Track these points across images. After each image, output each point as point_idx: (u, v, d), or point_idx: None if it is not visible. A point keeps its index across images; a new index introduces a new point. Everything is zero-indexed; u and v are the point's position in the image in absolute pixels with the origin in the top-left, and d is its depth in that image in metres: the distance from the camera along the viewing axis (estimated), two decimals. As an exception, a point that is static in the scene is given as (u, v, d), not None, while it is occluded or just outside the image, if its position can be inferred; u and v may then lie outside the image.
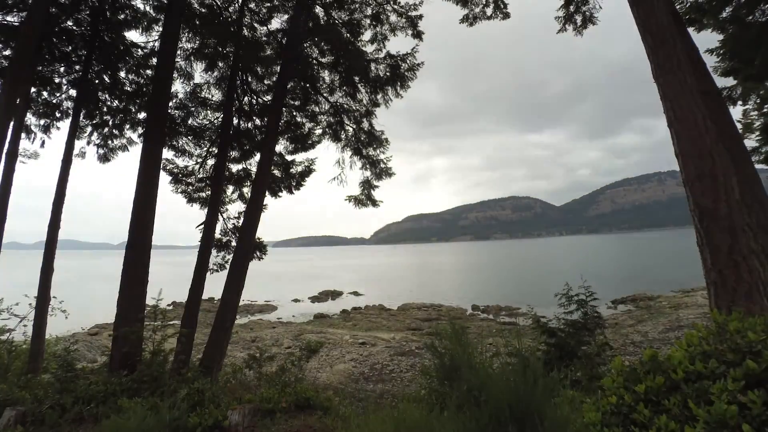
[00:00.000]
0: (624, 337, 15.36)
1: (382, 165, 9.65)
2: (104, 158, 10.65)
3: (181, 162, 10.20)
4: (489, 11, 10.14)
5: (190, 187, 10.34)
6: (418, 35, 9.00)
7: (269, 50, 9.32)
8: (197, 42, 8.99)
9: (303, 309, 26.90)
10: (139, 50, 9.77)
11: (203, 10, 8.73)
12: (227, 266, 8.79)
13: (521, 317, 19.42)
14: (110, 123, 10.32)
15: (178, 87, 9.74)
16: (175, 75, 8.63)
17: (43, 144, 9.95)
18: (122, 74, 9.90)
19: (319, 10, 8.94)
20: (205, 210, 9.19)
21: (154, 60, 9.32)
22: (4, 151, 6.95)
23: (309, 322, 21.97)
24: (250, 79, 9.92)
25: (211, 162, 10.18)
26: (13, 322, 8.01)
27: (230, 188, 10.73)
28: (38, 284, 8.64)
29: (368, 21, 9.01)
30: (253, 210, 8.31)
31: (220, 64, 9.35)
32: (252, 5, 9.21)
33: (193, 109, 9.92)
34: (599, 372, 5.37)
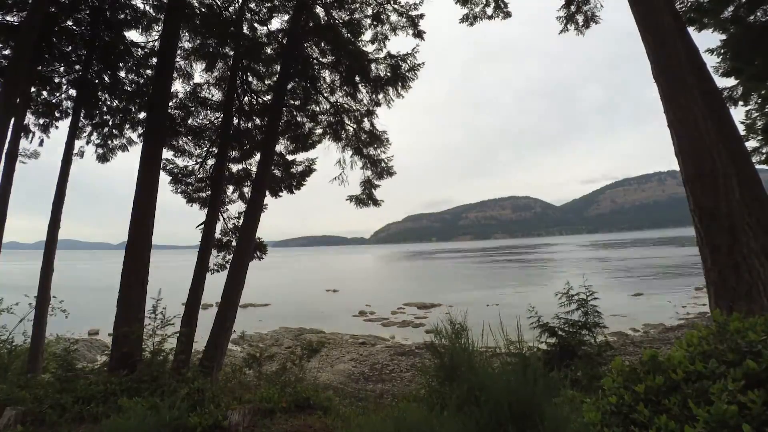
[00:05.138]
0: (624, 336, 15.37)
1: (383, 164, 9.65)
2: (104, 158, 10.63)
3: (181, 162, 10.20)
4: (489, 11, 10.13)
5: (190, 187, 10.33)
6: (419, 35, 8.99)
7: (269, 50, 9.31)
8: (197, 42, 8.98)
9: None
10: (139, 50, 9.77)
11: (203, 10, 8.72)
12: (227, 266, 8.80)
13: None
14: (110, 123, 10.31)
15: (178, 87, 9.73)
16: (175, 75, 8.63)
17: (41, 143, 9.92)
18: (122, 74, 9.89)
19: (319, 9, 8.94)
20: (205, 210, 9.20)
21: (154, 60, 9.31)
22: (4, 150, 6.95)
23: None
24: (250, 79, 9.91)
25: (211, 162, 10.17)
26: (13, 322, 8.01)
27: (230, 188, 10.73)
28: (38, 284, 8.64)
29: (369, 21, 9.01)
30: (253, 210, 8.32)
31: (220, 64, 9.34)
32: (252, 5, 9.20)
33: (192, 108, 9.91)
34: (599, 372, 5.37)
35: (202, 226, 8.95)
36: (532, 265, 57.79)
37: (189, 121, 9.99)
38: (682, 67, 4.47)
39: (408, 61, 8.61)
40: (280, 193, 10.45)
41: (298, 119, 9.97)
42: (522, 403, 2.62)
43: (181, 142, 10.02)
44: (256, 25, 9.33)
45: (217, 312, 7.91)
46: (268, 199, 9.53)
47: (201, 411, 4.12)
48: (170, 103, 8.58)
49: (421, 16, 8.89)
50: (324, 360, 13.85)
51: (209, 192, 9.61)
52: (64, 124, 9.67)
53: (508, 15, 10.25)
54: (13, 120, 7.46)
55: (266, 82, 10.04)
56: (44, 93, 9.62)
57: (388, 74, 8.78)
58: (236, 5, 9.14)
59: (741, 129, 8.56)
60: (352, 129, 9.58)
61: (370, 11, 8.97)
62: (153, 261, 6.79)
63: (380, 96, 9.07)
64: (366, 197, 9.81)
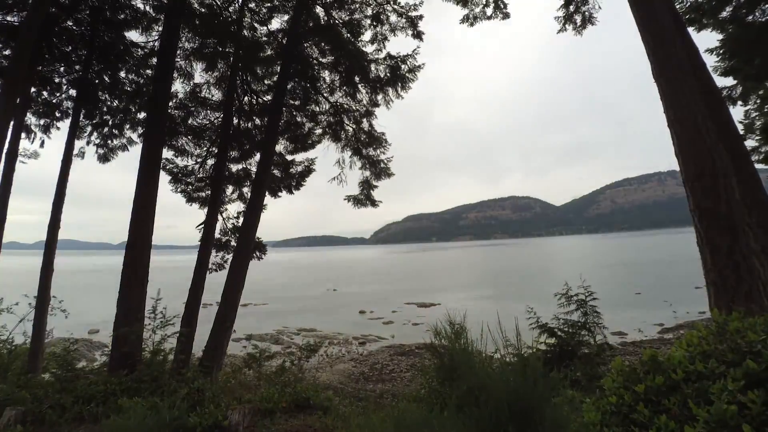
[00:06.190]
0: (624, 336, 15.38)
1: (382, 165, 9.66)
2: (104, 158, 10.62)
3: (181, 162, 10.19)
4: (489, 11, 10.14)
5: (190, 187, 10.31)
6: (418, 36, 8.99)
7: (269, 50, 9.31)
8: (197, 42, 8.97)
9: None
10: (139, 50, 9.75)
11: (203, 10, 8.72)
12: (227, 266, 8.80)
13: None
14: (110, 123, 10.30)
15: (178, 87, 9.72)
16: (175, 75, 8.62)
17: (42, 144, 9.92)
18: (122, 74, 9.86)
19: (319, 10, 8.94)
20: (204, 209, 9.19)
21: (154, 60, 9.30)
22: (4, 151, 6.95)
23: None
24: (250, 79, 9.90)
25: (211, 162, 10.16)
26: (13, 322, 8.01)
27: (230, 188, 10.72)
28: (38, 284, 8.63)
29: (368, 21, 9.01)
30: (253, 210, 8.32)
31: (220, 64, 9.33)
32: (252, 5, 9.20)
33: (192, 108, 9.90)
34: (599, 372, 5.38)
35: (202, 225, 8.95)
36: (532, 265, 57.82)
37: (189, 121, 9.98)
38: (682, 67, 4.47)
39: (408, 62, 8.62)
40: (279, 194, 10.44)
41: (298, 119, 9.98)
42: (522, 403, 2.62)
43: (181, 141, 10.00)
44: (256, 25, 9.34)
45: (217, 312, 7.90)
46: (268, 199, 9.54)
47: (201, 411, 4.12)
48: (170, 103, 8.57)
49: (421, 17, 8.90)
50: (324, 360, 13.85)
51: (209, 191, 9.61)
52: (64, 125, 9.67)
53: (506, 16, 10.26)
54: (12, 120, 7.45)
55: (266, 82, 10.04)
56: (44, 93, 9.61)
57: (388, 75, 8.79)
58: (236, 5, 9.15)
59: (740, 128, 8.58)
60: (351, 129, 9.59)
61: (369, 11, 8.98)
62: (153, 261, 6.80)
63: (380, 97, 9.10)
64: (364, 197, 9.83)
